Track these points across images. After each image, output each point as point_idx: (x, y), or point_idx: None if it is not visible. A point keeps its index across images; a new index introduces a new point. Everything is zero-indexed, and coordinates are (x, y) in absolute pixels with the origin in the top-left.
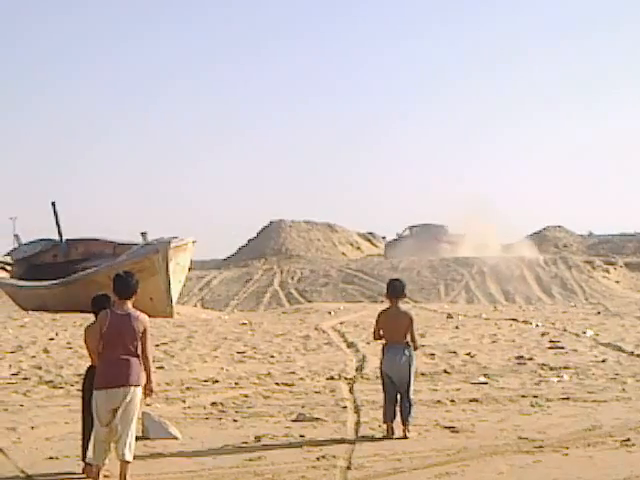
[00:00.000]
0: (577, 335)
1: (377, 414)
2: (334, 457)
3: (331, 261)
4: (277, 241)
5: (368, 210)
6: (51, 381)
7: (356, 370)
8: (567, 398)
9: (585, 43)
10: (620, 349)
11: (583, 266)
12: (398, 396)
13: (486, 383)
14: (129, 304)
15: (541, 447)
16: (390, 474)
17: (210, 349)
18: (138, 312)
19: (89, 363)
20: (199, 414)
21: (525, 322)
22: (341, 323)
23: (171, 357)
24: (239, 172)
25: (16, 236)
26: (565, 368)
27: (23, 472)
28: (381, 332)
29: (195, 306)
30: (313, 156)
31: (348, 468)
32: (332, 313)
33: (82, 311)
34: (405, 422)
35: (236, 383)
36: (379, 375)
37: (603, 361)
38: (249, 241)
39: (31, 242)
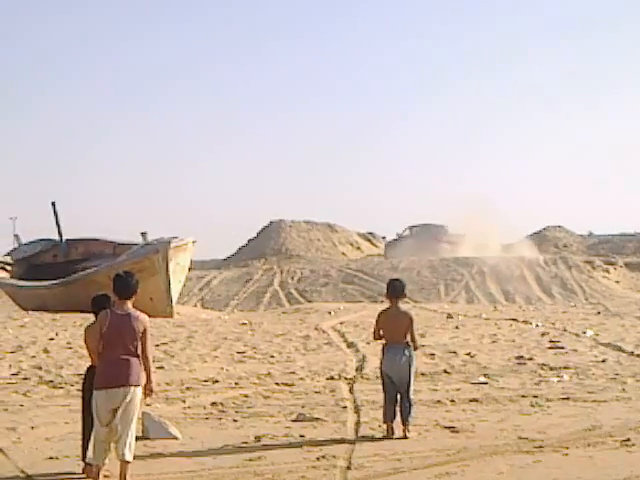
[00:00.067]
0: (577, 335)
1: (377, 414)
2: (334, 457)
3: (331, 261)
4: (277, 241)
5: (368, 210)
6: (51, 381)
7: (356, 370)
8: (567, 398)
9: (585, 43)
10: (620, 349)
11: (583, 266)
12: (398, 396)
13: (486, 383)
14: (129, 304)
15: (541, 447)
16: (390, 474)
17: (210, 349)
18: (138, 312)
19: (89, 363)
20: (199, 414)
21: (525, 322)
22: (341, 323)
23: (171, 357)
24: (239, 172)
25: (16, 236)
26: (565, 368)
27: (23, 472)
28: (381, 332)
29: (195, 306)
30: (313, 156)
31: (348, 468)
32: (332, 313)
33: (82, 311)
34: (405, 422)
35: (236, 383)
36: (379, 375)
37: (603, 361)
38: (249, 241)
39: (31, 242)
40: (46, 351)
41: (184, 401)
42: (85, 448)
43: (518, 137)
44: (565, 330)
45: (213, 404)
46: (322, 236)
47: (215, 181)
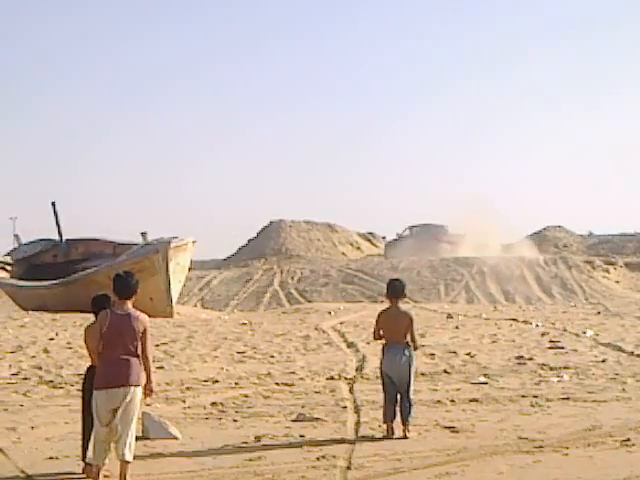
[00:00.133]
0: (577, 335)
1: (377, 414)
2: (334, 457)
3: (331, 261)
4: (277, 241)
5: (368, 210)
6: (51, 381)
7: (356, 370)
8: (567, 398)
9: (585, 43)
10: (620, 349)
11: (583, 266)
12: (398, 396)
13: (486, 383)
14: (129, 304)
15: (541, 447)
16: (390, 474)
17: (210, 349)
18: (138, 312)
19: (89, 363)
20: (199, 414)
21: (525, 322)
22: (341, 323)
23: (171, 357)
24: (239, 172)
25: (16, 236)
26: (565, 368)
27: (23, 472)
28: (381, 332)
29: (195, 306)
30: (313, 156)
31: (348, 468)
32: (332, 313)
33: (82, 311)
34: (405, 422)
35: (236, 383)
36: (379, 375)
37: (603, 361)
38: (249, 241)
39: (31, 242)
40: (46, 351)
41: (184, 401)
42: (85, 448)
43: (518, 137)
44: (565, 330)
45: (213, 404)
46: (322, 236)
47: (215, 181)
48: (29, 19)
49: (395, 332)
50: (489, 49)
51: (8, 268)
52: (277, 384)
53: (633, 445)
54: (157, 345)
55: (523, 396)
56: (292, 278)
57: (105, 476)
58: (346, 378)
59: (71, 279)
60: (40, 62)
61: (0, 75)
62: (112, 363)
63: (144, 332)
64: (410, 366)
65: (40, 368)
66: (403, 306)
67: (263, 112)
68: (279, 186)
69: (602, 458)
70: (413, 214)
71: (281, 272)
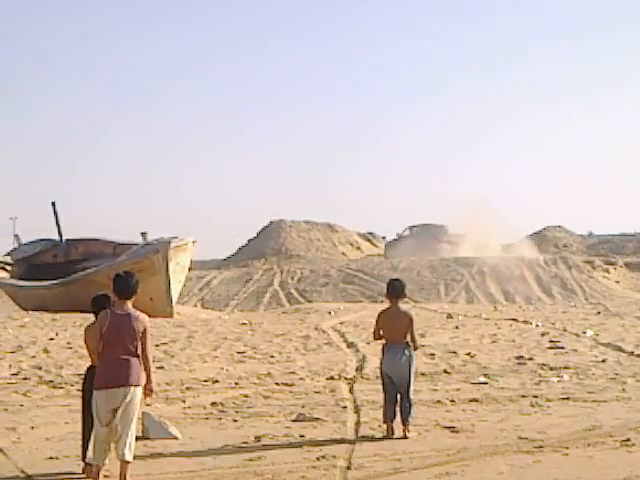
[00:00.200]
0: (577, 335)
1: (377, 414)
2: (334, 457)
3: (331, 261)
4: (277, 241)
5: (368, 210)
6: (51, 381)
7: (356, 370)
8: (567, 398)
9: (585, 43)
10: (620, 349)
11: (583, 266)
12: (398, 396)
13: (486, 383)
14: (129, 304)
15: (541, 447)
16: (390, 474)
17: (210, 349)
18: (138, 312)
19: (89, 363)
20: (199, 414)
21: (525, 322)
22: (341, 323)
23: (171, 357)
24: (239, 172)
25: (16, 236)
26: (565, 368)
27: (23, 472)
28: (381, 332)
29: (195, 306)
30: (313, 156)
31: (348, 468)
32: (332, 313)
33: (82, 311)
34: (405, 422)
35: (236, 383)
36: (379, 375)
37: (603, 361)
38: (249, 241)
39: (31, 242)
40: (46, 351)
41: (184, 401)
42: (85, 448)
43: (518, 137)
44: (565, 330)
45: (213, 404)
46: (322, 236)
47: (215, 181)
48: (28, 19)
49: (395, 332)
50: (489, 49)
51: (8, 268)
52: (277, 384)
53: (633, 445)
54: (157, 345)
55: (523, 396)
56: (292, 278)
57: (105, 476)
58: (346, 378)
59: (71, 279)
60: (39, 62)
61: (0, 75)
62: (112, 363)
63: (144, 332)
64: (410, 366)
65: (40, 368)
66: (403, 306)
67: (263, 112)
68: (279, 186)
69: (602, 458)
70: (413, 214)
71: (281, 272)
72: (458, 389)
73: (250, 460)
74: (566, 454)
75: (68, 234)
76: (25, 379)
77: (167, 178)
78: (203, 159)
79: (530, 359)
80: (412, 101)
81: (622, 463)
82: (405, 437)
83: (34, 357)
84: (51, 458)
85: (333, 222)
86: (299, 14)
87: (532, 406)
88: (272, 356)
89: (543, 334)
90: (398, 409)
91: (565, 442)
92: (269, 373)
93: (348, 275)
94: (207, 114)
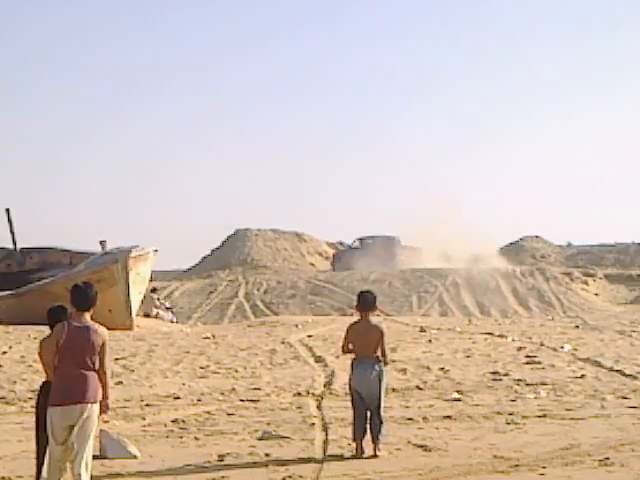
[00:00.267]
0: (554, 350)
1: (346, 432)
2: (301, 477)
3: (299, 272)
4: (242, 251)
5: (338, 218)
6: (3, 397)
7: (324, 386)
8: (544, 415)
9: (585, 43)
10: (599, 364)
11: (561, 278)
12: (368, 413)
13: (460, 400)
14: (87, 316)
15: (517, 466)
16: None
17: (171, 364)
18: (97, 325)
19: (44, 378)
20: (159, 432)
21: (501, 336)
22: (309, 336)
23: (130, 372)
24: (203, 178)
25: None
26: (542, 384)
27: None
28: (350, 346)
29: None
30: (282, 162)
31: None
32: (299, 326)
33: (37, 323)
34: (375, 440)
35: (198, 399)
36: (348, 391)
37: (581, 377)
38: (213, 251)
39: None
40: None
41: (144, 418)
42: (39, 468)
43: (496, 147)
44: (542, 344)
45: (174, 421)
46: (290, 246)
47: (177, 187)
48: (8, 19)
49: (365, 346)
50: (489, 49)
51: None
52: (242, 400)
53: (612, 464)
54: (116, 359)
55: (498, 413)
56: (258, 289)
57: None
58: (314, 394)
59: (26, 289)
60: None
61: None
62: (68, 378)
63: (103, 346)
64: (380, 382)
65: None
66: (374, 319)
67: (230, 117)
68: (245, 193)
69: (580, 478)
70: (381, 222)
71: (246, 283)
72: (431, 406)
73: None
74: (543, 474)
75: (22, 242)
76: None
77: (127, 185)
78: (165, 165)
79: (506, 375)
80: (397, 109)
81: None
82: (375, 456)
83: None
84: (3, 478)
85: (301, 231)
86: (292, 13)
87: (508, 424)
88: (236, 371)
89: (519, 349)
90: (368, 427)
91: (542, 461)
92: (233, 389)
93: (316, 286)
94: (172, 120)
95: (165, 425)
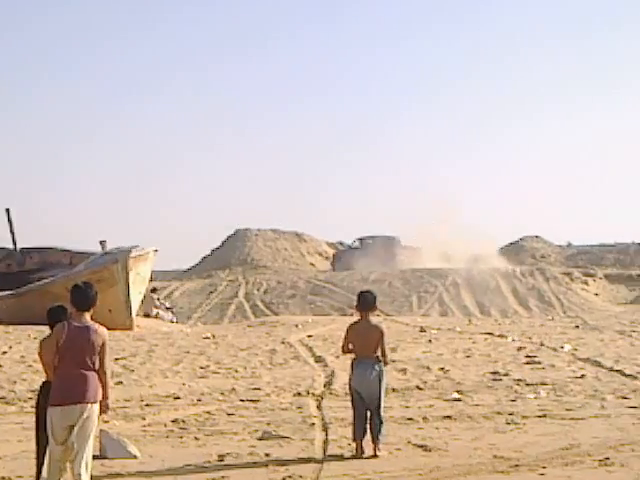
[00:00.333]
0: (554, 350)
1: (346, 432)
2: (301, 477)
3: (299, 272)
4: (242, 251)
5: (338, 218)
6: (3, 397)
7: (324, 386)
8: (544, 415)
9: (585, 43)
10: (599, 364)
11: (561, 278)
12: (368, 413)
13: (460, 400)
14: (87, 316)
15: (517, 466)
16: None
17: (171, 364)
18: (97, 325)
19: (44, 378)
20: (159, 432)
21: (501, 336)
22: (309, 336)
23: (130, 372)
24: (203, 178)
25: None
26: (542, 384)
27: None
28: (350, 346)
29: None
30: (282, 162)
31: None
32: (300, 326)
33: (37, 323)
34: (375, 440)
35: (198, 399)
36: (348, 391)
37: (581, 377)
38: (213, 251)
39: None
40: None
41: (144, 418)
42: (39, 468)
43: (495, 147)
44: (542, 344)
45: (174, 421)
46: (290, 246)
47: (177, 188)
48: (8, 19)
49: (365, 346)
50: (489, 49)
51: None
52: (242, 400)
53: (612, 464)
54: (116, 359)
55: (498, 413)
56: (258, 289)
57: None
58: (314, 394)
59: (26, 289)
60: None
61: None
62: (68, 378)
63: (103, 346)
64: (380, 382)
65: None
66: (374, 319)
67: (231, 118)
68: (245, 193)
69: (580, 478)
70: (380, 222)
71: (246, 283)
72: (431, 406)
73: None
74: (543, 474)
75: (22, 242)
76: None
77: (127, 185)
78: (165, 165)
79: (506, 375)
80: (394, 108)
81: None
82: (375, 456)
83: None
84: (3, 478)
85: (301, 231)
86: (292, 13)
87: (508, 424)
88: (236, 371)
89: (519, 349)
90: (368, 427)
91: (542, 461)
92: (233, 389)
93: (316, 286)
94: (172, 120)
95: (165, 425)
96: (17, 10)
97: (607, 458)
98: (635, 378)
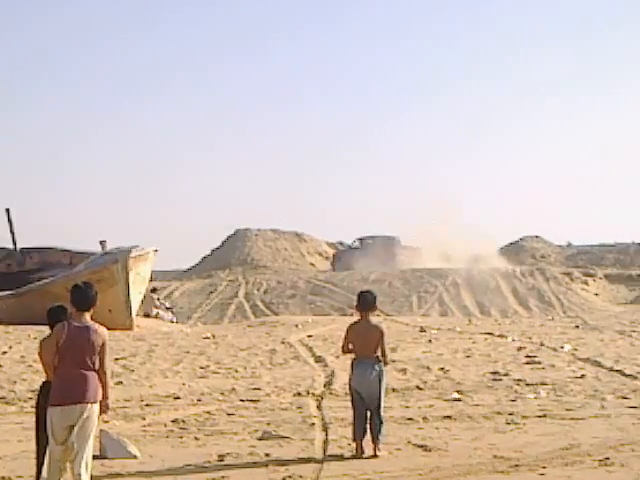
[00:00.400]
0: (554, 350)
1: (346, 432)
2: (301, 477)
3: (299, 272)
4: (242, 251)
5: (338, 218)
6: (3, 397)
7: (324, 386)
8: (544, 415)
9: (585, 43)
10: (599, 364)
11: (561, 278)
12: (368, 413)
13: (460, 400)
14: (87, 316)
15: (517, 466)
16: None
17: (171, 364)
18: (97, 325)
19: (44, 378)
20: (159, 432)
21: (501, 336)
22: (309, 336)
23: (130, 372)
24: (203, 178)
25: None
26: (542, 384)
27: None
28: (350, 346)
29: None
30: (282, 162)
31: None
32: (299, 326)
33: (37, 323)
34: (375, 440)
35: (198, 399)
36: (348, 391)
37: (581, 377)
38: (213, 251)
39: None
40: None
41: (144, 418)
42: (39, 467)
43: (495, 147)
44: (542, 344)
45: (174, 421)
46: (290, 246)
47: (177, 187)
48: (8, 19)
49: (365, 346)
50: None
51: None
52: (242, 400)
53: (612, 464)
54: (116, 359)
55: (498, 413)
56: (258, 289)
57: None
58: (314, 394)
59: (26, 289)
60: None
61: None
62: (69, 378)
63: (103, 346)
64: (380, 382)
65: None
66: (374, 319)
67: (230, 117)
68: (245, 192)
69: (580, 478)
70: (380, 222)
71: (246, 283)
72: (431, 406)
73: None
74: (543, 474)
75: (22, 242)
76: None
77: (127, 185)
78: (165, 165)
79: (506, 375)
80: (389, 112)
81: None
82: (375, 456)
83: None
84: (3, 478)
85: (301, 231)
86: (292, 13)
87: (508, 424)
88: (236, 371)
89: (519, 349)
90: (368, 427)
91: (542, 461)
92: (233, 389)
93: (316, 286)
94: (172, 120)
95: (165, 425)
96: (17, 10)
97: (607, 458)
98: (635, 378)
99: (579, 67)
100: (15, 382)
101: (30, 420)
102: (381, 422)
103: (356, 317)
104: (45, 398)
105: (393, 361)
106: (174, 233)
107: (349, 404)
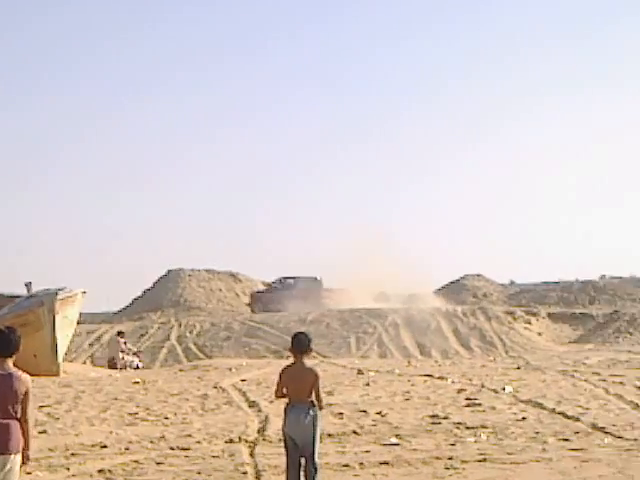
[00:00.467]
0: (495, 391)
1: (280, 479)
2: None
3: (234, 313)
4: (175, 292)
5: (275, 257)
6: None
7: (258, 432)
8: (484, 459)
9: (585, 43)
10: (541, 406)
11: (504, 317)
12: (302, 460)
13: (398, 444)
14: (10, 363)
15: None
16: None
17: (98, 410)
18: (20, 372)
19: None
20: None
21: (440, 378)
22: (243, 380)
23: (55, 420)
24: (134, 215)
25: None
26: (482, 427)
27: None
28: (284, 390)
29: (84, 363)
30: (216, 199)
31: None
32: (233, 370)
33: None
34: None
35: (126, 448)
36: (282, 437)
37: (523, 419)
38: (144, 292)
39: None
40: None
41: (68, 468)
42: None
43: (436, 184)
44: (483, 386)
45: (100, 471)
46: (224, 286)
47: (109, 226)
48: (8, 19)
49: (299, 390)
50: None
51: None
52: (171, 448)
53: None
54: (40, 407)
55: (437, 458)
56: (191, 332)
57: None
58: (247, 441)
59: None
60: None
61: None
62: None
63: (26, 394)
64: (315, 427)
65: None
66: (308, 362)
67: (166, 157)
68: (178, 232)
69: None
70: (312, 262)
71: (179, 325)
72: (368, 451)
73: None
74: None
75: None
76: None
77: (46, 220)
78: (104, 199)
79: (445, 418)
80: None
81: None
82: None
83: None
84: None
85: (236, 271)
86: (292, 13)
87: (447, 469)
88: (166, 417)
89: (459, 391)
90: (303, 474)
91: None
92: (163, 436)
93: (252, 328)
94: (109, 156)
95: (91, 475)
96: (17, 10)
97: None
98: (577, 420)
99: (579, 67)
100: None
101: None
102: (316, 469)
103: (292, 359)
104: None
105: (329, 405)
106: (103, 274)
107: (283, 451)
